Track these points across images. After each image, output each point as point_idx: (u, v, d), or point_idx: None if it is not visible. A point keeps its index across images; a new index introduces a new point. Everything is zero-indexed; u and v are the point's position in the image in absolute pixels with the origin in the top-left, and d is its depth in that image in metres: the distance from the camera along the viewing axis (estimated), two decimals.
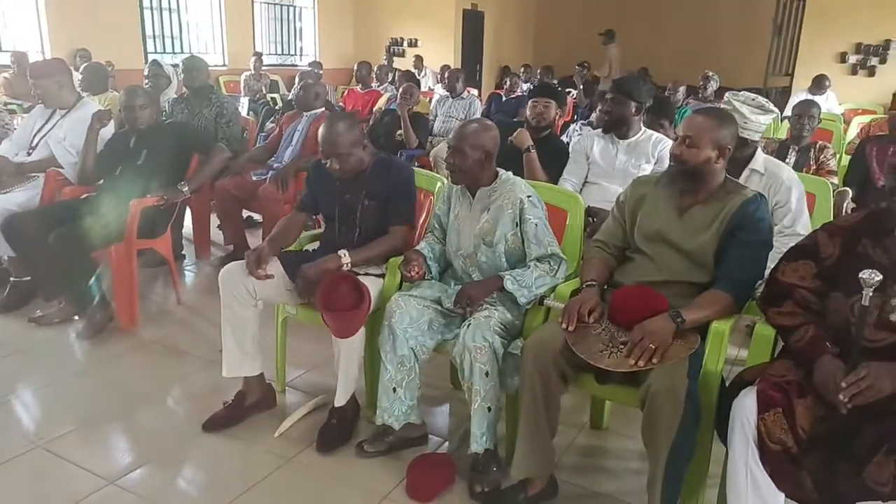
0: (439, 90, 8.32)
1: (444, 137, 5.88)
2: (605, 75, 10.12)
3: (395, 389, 2.26)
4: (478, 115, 6.28)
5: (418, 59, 10.69)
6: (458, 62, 11.44)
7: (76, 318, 3.20)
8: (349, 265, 2.38)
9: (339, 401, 2.37)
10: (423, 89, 7.50)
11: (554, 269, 2.26)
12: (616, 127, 3.28)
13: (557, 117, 3.70)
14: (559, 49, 12.86)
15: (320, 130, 2.46)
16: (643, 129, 3.35)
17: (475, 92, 7.10)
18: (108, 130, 3.52)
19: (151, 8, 9.01)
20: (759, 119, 2.69)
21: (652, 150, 3.24)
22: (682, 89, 7.08)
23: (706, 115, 2.09)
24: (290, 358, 2.75)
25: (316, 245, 2.71)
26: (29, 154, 3.52)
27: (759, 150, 2.78)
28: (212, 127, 4.19)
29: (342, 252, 2.38)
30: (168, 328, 3.32)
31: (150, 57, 6.91)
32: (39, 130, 3.54)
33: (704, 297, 1.97)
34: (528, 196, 2.30)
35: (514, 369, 2.10)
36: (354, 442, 2.35)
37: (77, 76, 4.61)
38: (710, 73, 7.09)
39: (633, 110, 3.23)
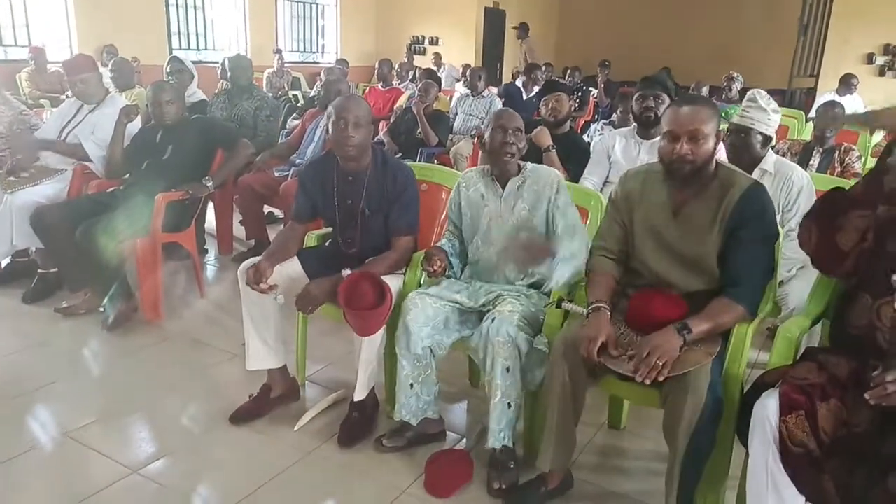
0: (459, 88, 8.34)
1: (464, 135, 5.90)
2: (521, 70, 10.07)
3: (412, 385, 2.28)
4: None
5: (437, 57, 10.70)
6: (479, 61, 11.43)
7: (101, 309, 3.25)
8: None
9: (359, 395, 2.39)
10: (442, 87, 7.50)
11: (581, 248, 2.23)
12: (658, 124, 3.24)
13: (573, 109, 3.71)
14: (581, 48, 12.81)
15: (335, 102, 2.41)
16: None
17: (495, 91, 7.09)
18: (135, 125, 3.58)
19: (177, 5, 9.13)
20: (776, 118, 2.69)
21: None
22: (705, 89, 7.02)
23: (700, 104, 1.93)
24: (310, 352, 2.78)
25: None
26: None
27: (771, 150, 2.76)
28: (249, 119, 4.30)
29: (345, 272, 2.33)
30: (192, 321, 3.37)
31: (175, 53, 6.99)
32: (68, 124, 3.60)
33: (714, 306, 1.91)
34: (558, 176, 2.35)
35: (537, 364, 2.10)
36: (374, 436, 2.38)
37: (107, 72, 4.70)
38: (735, 74, 7.02)
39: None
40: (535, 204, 2.32)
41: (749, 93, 2.71)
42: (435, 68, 9.84)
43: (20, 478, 2.15)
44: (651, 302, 1.96)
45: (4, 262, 3.69)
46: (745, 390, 1.87)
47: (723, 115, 6.42)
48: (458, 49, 11.34)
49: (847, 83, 7.16)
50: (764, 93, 2.68)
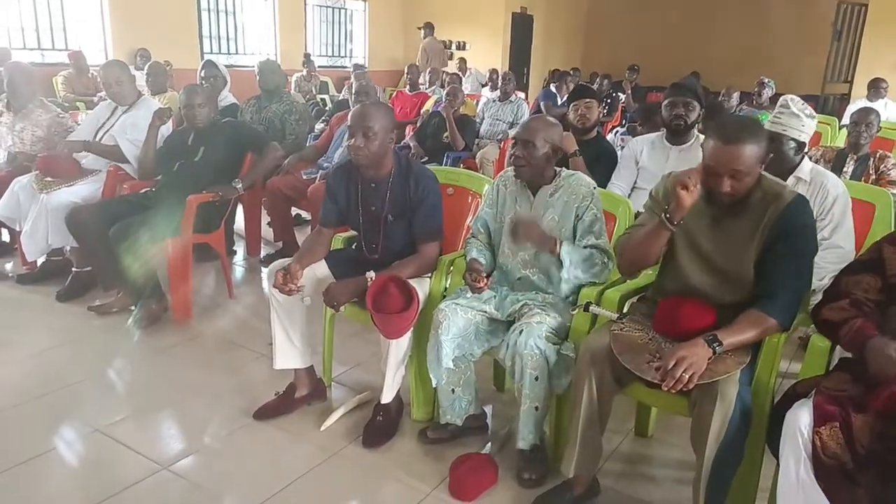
0: (486, 93, 8.35)
1: (490, 140, 5.91)
2: (423, 69, 10.05)
3: (453, 390, 2.31)
4: (525, 118, 6.28)
5: (462, 62, 10.73)
6: (506, 65, 11.43)
7: (133, 308, 3.32)
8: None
9: (386, 398, 2.41)
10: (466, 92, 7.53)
11: (603, 262, 2.25)
12: (685, 134, 3.21)
13: (602, 116, 3.69)
14: (609, 53, 12.75)
15: (352, 111, 2.41)
16: (696, 133, 3.31)
17: (522, 95, 7.09)
18: (167, 128, 3.65)
19: (209, 10, 9.29)
20: (811, 123, 2.64)
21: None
22: (735, 95, 6.94)
23: (745, 139, 1.81)
24: (336, 353, 2.80)
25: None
26: None
27: (806, 157, 2.72)
28: (278, 122, 4.36)
29: (370, 275, 2.33)
30: (221, 321, 3.42)
31: (206, 57, 7.11)
32: (102, 126, 3.68)
33: (746, 317, 1.86)
34: (594, 188, 2.31)
35: (564, 370, 2.10)
36: (398, 438, 2.40)
37: (141, 76, 4.81)
38: (766, 80, 6.93)
39: (698, 114, 3.20)
40: (563, 217, 2.30)
41: (781, 98, 2.67)
42: (460, 73, 9.88)
43: (52, 472, 2.20)
44: (680, 309, 1.94)
45: (40, 261, 3.78)
46: (775, 400, 1.84)
47: None
48: (485, 54, 11.36)
49: (877, 87, 7.02)
50: (797, 98, 2.64)
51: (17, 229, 3.64)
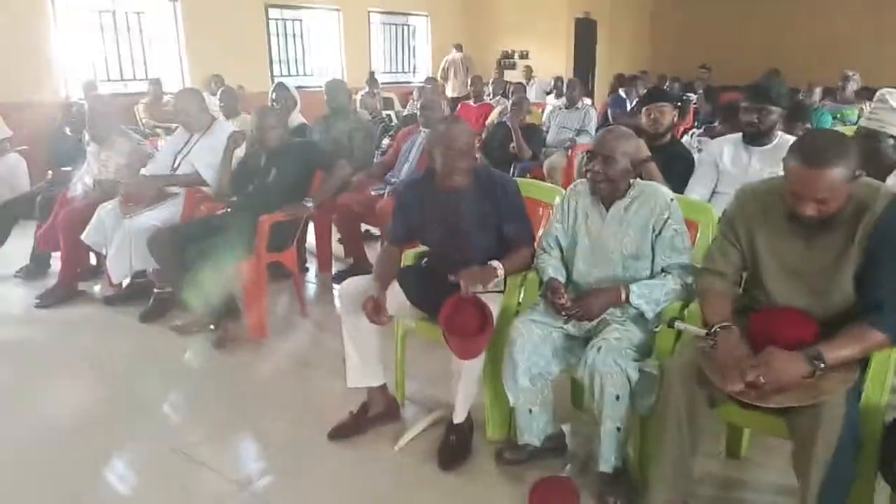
0: (551, 101, 8.25)
1: (557, 148, 5.81)
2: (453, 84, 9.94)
3: (530, 411, 2.24)
4: (593, 126, 6.15)
5: (528, 70, 10.65)
6: (571, 72, 11.27)
7: (211, 327, 3.39)
8: (502, 277, 2.34)
9: (458, 417, 2.36)
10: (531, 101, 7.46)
11: (687, 283, 2.13)
12: (763, 138, 3.03)
13: (675, 119, 3.53)
14: (677, 53, 12.38)
15: (440, 131, 2.36)
16: (779, 133, 3.12)
17: (589, 101, 6.95)
18: (241, 150, 3.74)
19: (278, 34, 9.59)
20: None
21: None
22: (818, 91, 6.57)
23: (830, 162, 1.65)
24: (408, 370, 2.77)
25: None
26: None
27: None
28: (345, 140, 4.43)
29: (496, 263, 2.30)
30: (295, 339, 3.46)
31: (277, 79, 7.32)
32: (180, 152, 3.81)
33: (851, 331, 1.72)
34: (672, 200, 2.19)
35: (648, 389, 1.99)
36: (474, 459, 2.34)
37: (216, 101, 4.97)
38: (850, 73, 6.52)
39: (778, 117, 3.01)
40: (641, 231, 2.18)
41: (879, 93, 2.47)
42: (525, 82, 9.81)
43: (134, 491, 2.25)
44: (777, 322, 1.80)
45: (125, 283, 3.93)
46: (887, 423, 1.68)
47: (837, 116, 6.03)
48: (549, 61, 11.24)
49: None
50: (895, 91, 2.44)
51: (104, 253, 3.80)
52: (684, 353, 1.91)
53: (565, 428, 2.50)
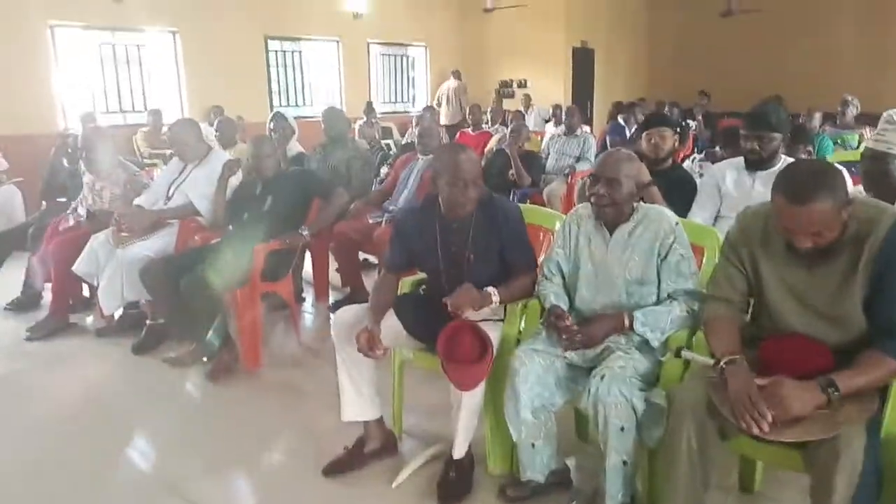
0: (549, 128, 8.26)
1: (557, 175, 5.79)
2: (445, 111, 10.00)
3: (533, 445, 2.14)
4: (592, 153, 6.13)
5: (527, 99, 10.71)
6: (569, 100, 11.32)
7: (205, 359, 3.31)
8: (497, 304, 2.26)
9: (458, 452, 2.26)
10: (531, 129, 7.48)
11: (694, 309, 2.05)
12: (765, 164, 2.98)
13: (675, 144, 3.49)
14: (675, 80, 12.44)
15: (448, 160, 2.29)
16: (782, 157, 3.07)
17: (588, 129, 6.95)
18: (237, 179, 3.69)
19: (277, 65, 9.65)
20: None
21: None
22: (818, 115, 6.56)
23: (819, 196, 1.58)
24: (406, 403, 2.67)
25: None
26: (166, 204, 3.74)
27: None
28: (343, 168, 4.39)
29: (492, 290, 2.23)
30: (291, 370, 3.37)
31: (275, 110, 7.34)
32: (175, 181, 3.76)
33: (865, 359, 1.65)
34: (677, 224, 2.12)
35: (655, 420, 1.89)
36: (475, 495, 2.24)
37: (212, 130, 4.95)
38: (850, 97, 6.53)
39: (780, 143, 2.96)
40: (646, 256, 2.12)
41: (886, 114, 2.42)
42: (524, 110, 9.85)
43: None
44: (788, 350, 1.72)
45: (117, 314, 3.85)
46: None
47: (838, 141, 6.01)
48: (547, 90, 11.30)
49: None
50: None
51: (96, 284, 3.73)
52: (693, 383, 1.83)
53: (570, 462, 2.40)
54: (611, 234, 2.18)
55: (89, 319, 4.07)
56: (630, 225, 2.16)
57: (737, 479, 2.25)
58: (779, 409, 1.58)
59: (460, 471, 2.27)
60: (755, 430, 1.59)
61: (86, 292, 4.19)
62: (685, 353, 1.91)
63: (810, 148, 3.62)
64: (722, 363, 1.74)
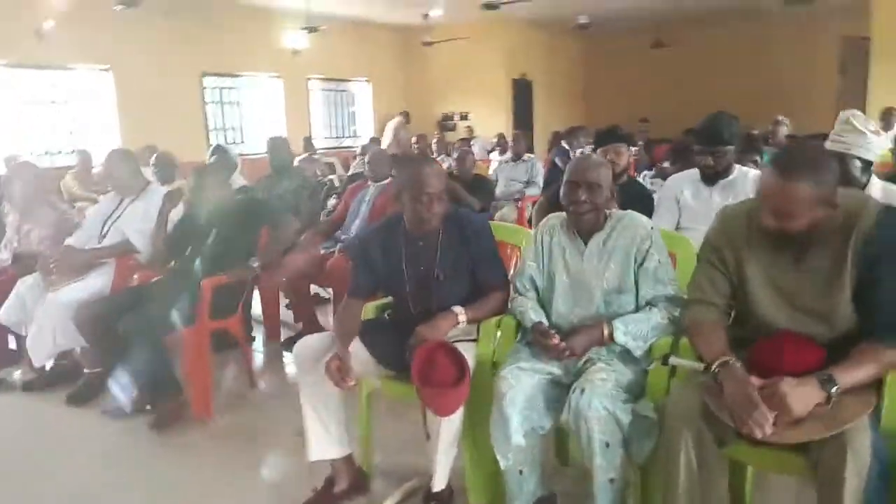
0: (494, 157, 8.33)
1: (507, 201, 5.77)
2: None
3: (521, 472, 1.99)
4: (540, 177, 6.16)
5: (469, 130, 10.83)
6: (510, 130, 11.50)
7: (149, 407, 3.05)
8: (464, 323, 2.14)
9: (439, 485, 2.12)
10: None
11: (675, 316, 1.97)
12: (721, 176, 2.99)
13: (629, 160, 3.51)
14: (612, 109, 12.79)
15: (411, 175, 2.19)
16: (736, 167, 3.09)
17: (533, 155, 7.01)
18: (178, 212, 3.48)
19: (213, 102, 9.42)
20: (877, 140, 2.42)
21: (752, 186, 2.95)
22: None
23: (800, 178, 1.58)
24: (373, 437, 2.50)
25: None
26: (100, 242, 3.48)
27: (874, 176, 2.49)
28: (290, 197, 4.28)
29: (458, 309, 2.12)
30: (244, 414, 3.14)
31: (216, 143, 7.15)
32: (109, 217, 3.51)
33: (860, 352, 1.60)
34: (653, 228, 2.06)
35: (644, 434, 1.79)
36: None
37: (148, 170, 4.71)
38: (781, 118, 6.82)
39: (733, 154, 2.99)
40: (624, 265, 2.04)
41: (842, 115, 2.46)
42: (469, 138, 9.95)
43: None
44: (780, 349, 1.65)
45: (48, 366, 3.53)
46: None
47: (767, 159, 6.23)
48: (488, 122, 11.45)
49: (887, 118, 6.96)
50: (859, 113, 2.43)
51: (24, 334, 3.42)
52: (685, 391, 1.74)
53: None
54: (585, 244, 2.10)
55: (17, 374, 3.71)
56: (604, 233, 2.08)
57: (726, 493, 2.16)
58: (781, 410, 1.51)
59: None
60: (758, 434, 1.51)
61: (11, 344, 3.84)
62: (672, 360, 1.82)
63: (757, 158, 3.67)
64: (714, 367, 1.65)
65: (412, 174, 2.17)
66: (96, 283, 3.34)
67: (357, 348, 2.22)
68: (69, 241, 3.49)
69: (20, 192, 3.64)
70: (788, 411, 1.52)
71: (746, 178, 2.99)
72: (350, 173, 7.08)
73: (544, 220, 2.25)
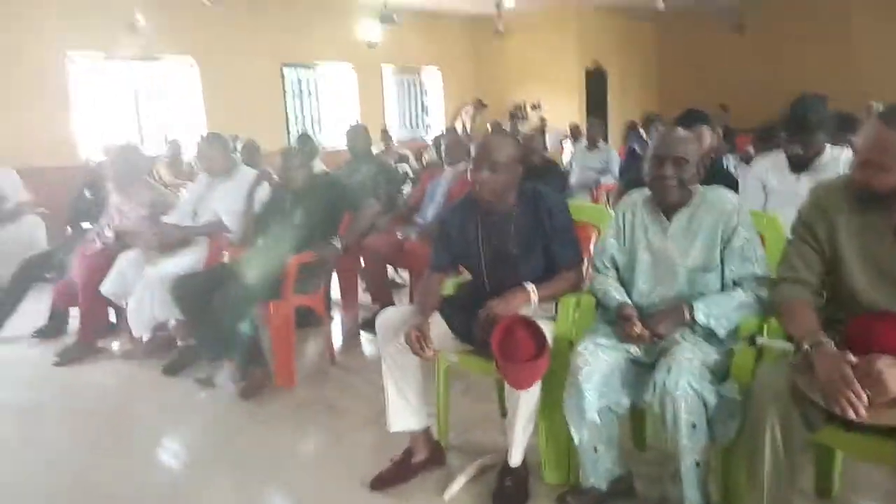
0: (568, 146, 8.25)
1: (583, 190, 5.73)
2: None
3: (595, 449, 2.00)
4: (615, 165, 6.07)
5: (542, 121, 10.75)
6: (583, 120, 11.33)
7: (238, 377, 3.21)
8: (535, 302, 2.15)
9: (515, 460, 2.14)
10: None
11: (761, 297, 1.92)
12: (811, 163, 2.89)
13: (713, 142, 3.40)
14: (687, 97, 12.38)
15: (477, 142, 2.27)
16: (827, 147, 2.96)
17: (608, 143, 6.91)
18: (265, 192, 3.64)
19: (293, 94, 9.72)
20: None
21: (843, 169, 2.83)
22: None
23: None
24: (450, 413, 2.55)
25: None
26: (194, 221, 3.68)
27: None
28: (369, 183, 4.37)
29: (530, 286, 2.14)
30: (325, 387, 3.26)
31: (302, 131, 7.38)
32: (202, 198, 3.71)
33: None
34: (740, 205, 2.01)
35: (729, 415, 1.76)
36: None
37: (236, 157, 4.94)
38: (873, 103, 6.47)
39: (824, 136, 2.87)
40: (711, 242, 1.99)
41: None
42: (539, 133, 9.87)
43: None
44: (878, 327, 1.59)
45: (145, 338, 3.77)
46: None
47: None
48: (561, 111, 11.31)
49: None
50: None
51: (123, 305, 3.66)
52: (773, 371, 1.70)
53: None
54: (669, 221, 2.06)
55: (116, 344, 3.98)
56: (690, 210, 2.04)
57: (812, 481, 2.10)
58: (876, 389, 1.46)
59: (517, 479, 2.15)
60: (850, 414, 1.46)
61: (112, 318, 4.12)
62: (760, 340, 1.79)
63: (851, 138, 3.48)
64: (806, 345, 1.61)
65: (483, 144, 2.22)
66: (191, 259, 3.54)
67: (437, 321, 2.27)
68: (165, 219, 3.71)
69: (120, 172, 3.89)
70: (885, 391, 1.46)
71: (838, 162, 2.87)
72: (426, 163, 7.19)
73: (626, 195, 2.23)
